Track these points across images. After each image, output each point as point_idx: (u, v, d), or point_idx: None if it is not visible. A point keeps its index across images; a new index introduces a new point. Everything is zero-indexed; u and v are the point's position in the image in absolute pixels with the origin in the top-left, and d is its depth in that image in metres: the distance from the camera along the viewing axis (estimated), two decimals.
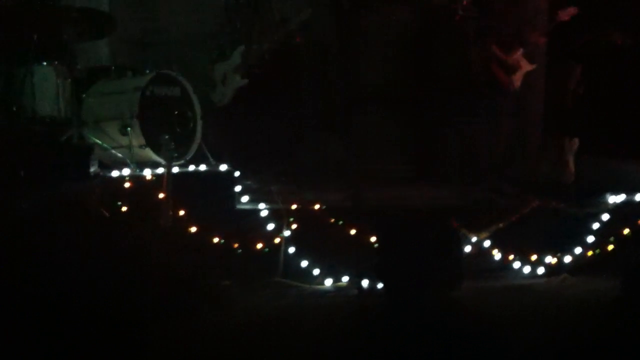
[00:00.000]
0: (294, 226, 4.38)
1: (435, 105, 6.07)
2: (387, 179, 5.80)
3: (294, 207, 4.47)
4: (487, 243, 4.49)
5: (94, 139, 4.61)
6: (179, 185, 4.19)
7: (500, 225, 4.53)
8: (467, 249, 4.45)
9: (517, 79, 5.53)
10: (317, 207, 4.54)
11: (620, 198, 4.65)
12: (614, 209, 4.58)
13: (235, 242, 4.28)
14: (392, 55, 6.01)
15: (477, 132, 6.00)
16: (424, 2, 6.03)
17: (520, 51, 5.48)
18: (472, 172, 5.77)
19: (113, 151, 4.59)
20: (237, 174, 4.58)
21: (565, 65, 5.56)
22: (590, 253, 4.46)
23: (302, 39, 5.77)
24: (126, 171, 4.46)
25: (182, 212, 4.16)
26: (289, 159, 5.44)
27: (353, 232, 4.41)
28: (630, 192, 4.69)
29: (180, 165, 4.63)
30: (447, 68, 6.16)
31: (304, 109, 5.93)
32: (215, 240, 4.22)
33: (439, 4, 6.04)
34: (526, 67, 5.50)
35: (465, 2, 5.99)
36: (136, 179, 4.37)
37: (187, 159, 4.72)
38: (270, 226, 4.35)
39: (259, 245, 4.32)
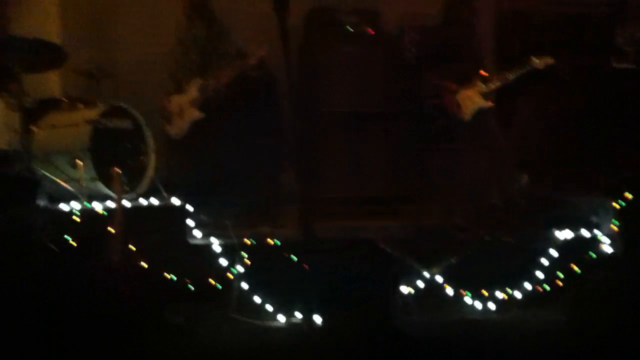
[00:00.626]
0: (247, 261, 4.35)
1: (395, 137, 6.16)
2: (346, 211, 5.83)
3: (247, 241, 4.44)
4: (439, 278, 4.52)
5: (43, 171, 4.53)
6: (129, 219, 4.13)
7: (453, 259, 4.57)
8: (420, 283, 4.48)
9: (466, 112, 5.59)
10: (270, 241, 4.52)
11: (568, 233, 4.75)
12: (563, 244, 4.67)
13: (187, 278, 4.23)
14: (349, 89, 6.09)
15: (435, 166, 6.11)
16: (377, 35, 6.14)
17: (471, 85, 5.57)
18: (430, 205, 5.85)
19: (63, 184, 4.51)
20: (189, 207, 4.54)
21: (515, 100, 5.67)
22: (539, 288, 4.51)
23: (260, 73, 5.83)
24: (76, 205, 4.38)
25: (132, 247, 4.10)
26: (246, 192, 5.43)
27: (306, 266, 4.38)
28: (578, 227, 4.80)
29: (131, 199, 4.57)
30: (403, 99, 6.30)
31: (261, 141, 5.95)
32: (167, 275, 4.16)
33: (391, 35, 6.19)
34: (474, 102, 5.55)
35: (414, 35, 6.14)
36: (86, 212, 4.30)
37: (139, 192, 4.67)
38: (223, 261, 4.31)
39: (212, 281, 4.27)
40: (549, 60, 5.27)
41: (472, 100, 5.52)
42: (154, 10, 6.15)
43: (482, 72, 5.53)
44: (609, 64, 5.86)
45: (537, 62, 5.27)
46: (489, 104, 5.52)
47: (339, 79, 6.05)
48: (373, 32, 6.13)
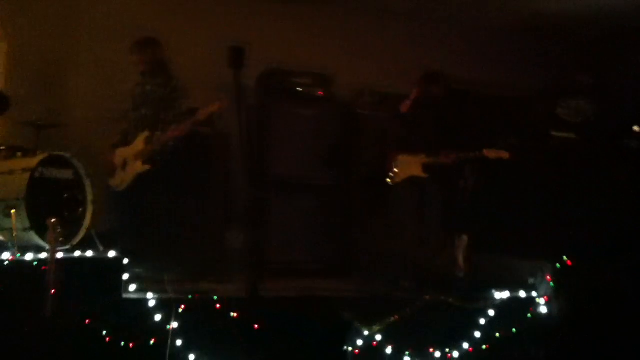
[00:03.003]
0: (183, 317, 4.24)
1: (340, 199, 6.20)
2: (291, 270, 5.80)
3: (183, 297, 4.35)
4: (379, 337, 4.49)
5: None
6: (63, 272, 4.02)
7: (393, 319, 4.55)
8: (359, 342, 4.44)
9: (400, 176, 5.57)
10: (208, 297, 4.44)
11: (505, 294, 4.79)
12: (500, 305, 4.69)
13: (121, 333, 4.10)
14: (299, 148, 6.14)
15: (380, 227, 6.14)
16: (328, 100, 6.25)
17: (414, 154, 5.58)
18: (373, 265, 5.85)
19: None
20: (126, 261, 4.44)
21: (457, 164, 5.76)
22: (477, 348, 4.51)
23: (209, 130, 5.84)
24: (7, 255, 4.25)
25: (65, 301, 3.97)
26: (188, 248, 5.36)
27: (244, 324, 4.31)
28: (515, 288, 4.84)
29: (65, 251, 4.46)
30: (352, 162, 6.37)
31: (207, 198, 5.92)
32: (100, 330, 4.04)
33: (342, 102, 6.31)
34: (410, 169, 5.54)
35: (367, 101, 6.28)
36: (17, 263, 4.17)
37: (74, 244, 4.56)
38: (158, 317, 4.21)
39: (146, 337, 4.16)
40: (503, 155, 5.31)
41: (409, 166, 5.53)
42: (107, 64, 6.22)
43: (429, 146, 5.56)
44: (550, 134, 6.07)
45: (490, 153, 5.32)
46: (424, 174, 5.51)
47: (290, 141, 6.11)
48: (323, 94, 6.24)
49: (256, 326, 4.32)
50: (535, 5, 6.82)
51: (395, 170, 5.54)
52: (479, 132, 5.95)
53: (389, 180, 5.55)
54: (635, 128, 6.16)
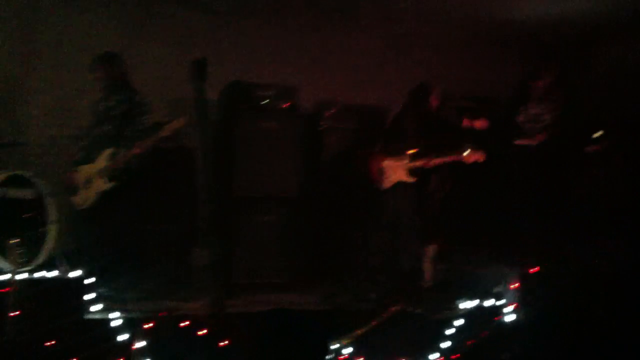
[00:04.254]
0: (148, 336, 4.18)
1: (306, 212, 6.19)
2: (257, 285, 5.76)
3: (148, 315, 4.29)
4: (347, 350, 4.47)
5: None
6: (25, 293, 3.95)
7: (360, 331, 4.54)
8: (329, 356, 4.42)
9: (387, 181, 5.75)
10: (173, 315, 4.38)
11: (472, 303, 4.82)
12: (467, 314, 4.72)
13: (84, 354, 4.03)
14: (264, 161, 6.12)
15: (347, 239, 6.16)
16: (292, 112, 6.25)
17: (399, 158, 5.72)
18: (340, 277, 5.86)
19: None
20: (89, 280, 4.38)
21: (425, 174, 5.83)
22: (446, 358, 4.51)
23: (173, 145, 5.79)
24: None
25: (26, 323, 3.89)
26: (152, 266, 5.29)
27: (210, 341, 4.26)
28: (482, 297, 4.88)
29: (28, 271, 4.38)
30: (319, 173, 6.38)
31: (172, 214, 5.86)
32: (62, 352, 3.95)
33: (307, 114, 6.32)
34: (396, 174, 5.72)
35: (328, 113, 6.30)
36: None
37: (36, 264, 4.48)
38: (123, 337, 4.14)
39: (110, 358, 4.08)
40: (479, 157, 5.50)
41: (395, 171, 5.71)
42: (65, 81, 6.15)
43: (412, 150, 5.71)
44: (512, 143, 6.16)
45: (468, 157, 5.51)
46: (412, 179, 5.69)
47: (255, 154, 6.08)
48: (288, 106, 6.24)
49: (224, 343, 4.28)
50: (499, 15, 6.92)
51: (383, 175, 5.68)
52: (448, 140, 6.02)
53: (382, 185, 5.70)
54: (597, 134, 6.29)
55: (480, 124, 5.89)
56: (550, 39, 7.45)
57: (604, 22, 7.00)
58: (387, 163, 5.74)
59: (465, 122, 5.98)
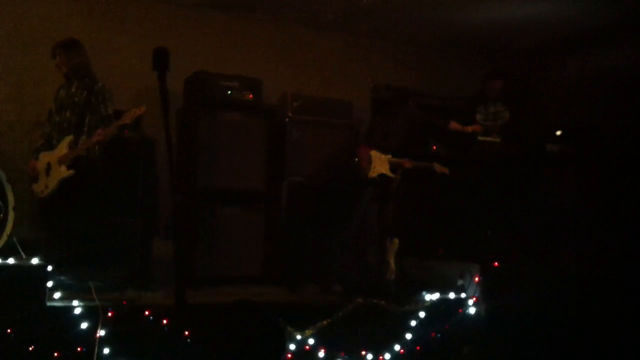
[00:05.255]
0: (110, 325, 4.12)
1: (278, 205, 6.17)
2: (220, 277, 5.72)
3: (110, 304, 4.22)
4: (311, 341, 4.48)
5: None
6: None
7: (325, 322, 4.56)
8: (292, 347, 4.43)
9: (373, 171, 5.87)
10: (136, 304, 4.32)
11: (435, 296, 4.89)
12: (430, 307, 4.79)
13: (45, 343, 3.94)
14: (228, 153, 6.07)
15: (311, 232, 6.16)
16: (256, 104, 6.22)
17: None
18: (304, 269, 5.86)
19: None
20: (49, 268, 4.27)
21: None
22: (409, 350, 4.57)
23: (135, 134, 5.70)
24: None
25: None
26: (114, 255, 5.21)
27: (173, 331, 4.22)
28: (445, 290, 4.96)
29: None
30: (281, 168, 6.35)
31: (134, 204, 5.77)
32: (23, 340, 3.86)
33: (270, 108, 6.30)
34: (382, 166, 5.87)
35: (293, 106, 6.30)
36: None
37: None
38: (84, 325, 4.07)
39: (72, 346, 4.00)
40: (445, 170, 5.88)
41: (381, 163, 5.85)
42: (24, 69, 6.03)
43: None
44: (475, 140, 6.28)
45: (438, 168, 5.89)
46: (392, 175, 5.81)
47: (218, 146, 6.03)
48: (252, 98, 6.20)
49: (186, 333, 4.24)
50: (460, 19, 7.04)
51: (371, 163, 5.84)
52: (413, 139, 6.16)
53: (368, 173, 5.85)
54: (558, 132, 6.46)
55: (473, 129, 6.23)
56: (512, 43, 7.65)
57: (570, 31, 7.21)
58: (375, 153, 5.88)
59: (454, 126, 6.20)
